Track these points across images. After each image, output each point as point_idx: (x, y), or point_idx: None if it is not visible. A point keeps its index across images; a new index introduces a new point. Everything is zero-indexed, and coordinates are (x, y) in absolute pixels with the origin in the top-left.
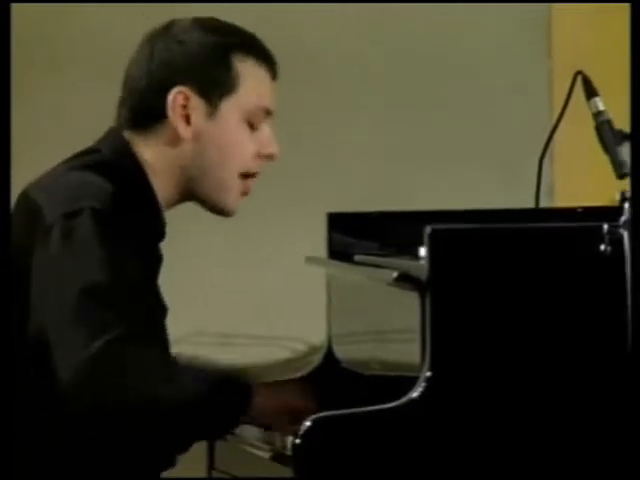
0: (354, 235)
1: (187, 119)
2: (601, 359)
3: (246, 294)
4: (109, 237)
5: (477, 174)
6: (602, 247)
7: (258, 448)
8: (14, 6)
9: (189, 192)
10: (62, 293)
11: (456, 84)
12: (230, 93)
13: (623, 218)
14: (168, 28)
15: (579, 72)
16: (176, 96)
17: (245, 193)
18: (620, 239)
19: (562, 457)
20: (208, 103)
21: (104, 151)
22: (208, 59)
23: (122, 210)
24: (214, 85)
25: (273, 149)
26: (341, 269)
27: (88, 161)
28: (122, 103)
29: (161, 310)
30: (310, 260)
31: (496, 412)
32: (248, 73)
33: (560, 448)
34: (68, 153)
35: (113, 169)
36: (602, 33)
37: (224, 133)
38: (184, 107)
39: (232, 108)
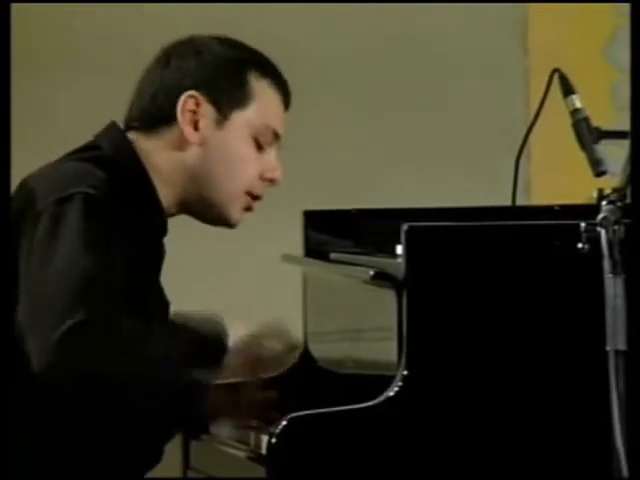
0: (330, 233)
1: (195, 124)
2: (578, 357)
3: (221, 292)
4: (97, 222)
5: (454, 172)
6: (579, 245)
7: (233, 447)
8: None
9: (190, 201)
10: (39, 276)
11: (433, 83)
12: (242, 107)
13: (600, 216)
14: (187, 41)
15: (556, 70)
16: (187, 100)
17: (249, 209)
18: (597, 237)
19: (539, 450)
20: (218, 112)
21: (104, 147)
22: (224, 70)
23: (116, 199)
24: (226, 95)
25: (276, 174)
26: (317, 267)
27: (87, 155)
28: (132, 104)
29: (159, 303)
30: (286, 258)
31: (473, 410)
32: (262, 92)
33: (537, 442)
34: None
35: (112, 163)
36: (578, 31)
37: (231, 145)
38: (194, 112)
39: (242, 122)
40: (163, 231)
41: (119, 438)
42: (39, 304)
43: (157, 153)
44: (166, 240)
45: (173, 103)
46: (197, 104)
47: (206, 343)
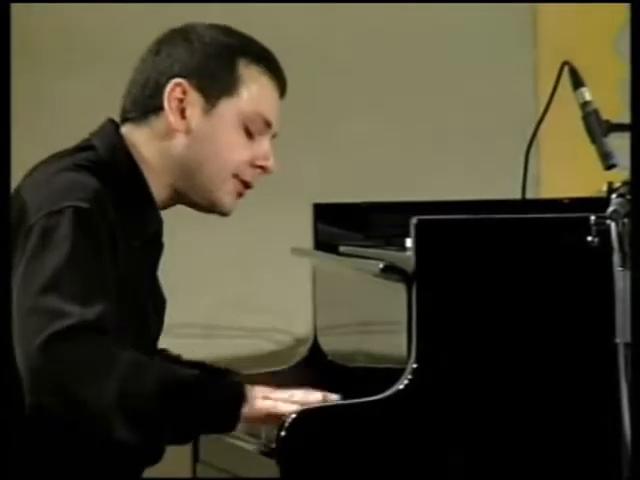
0: (340, 226)
1: (182, 113)
2: (588, 350)
3: (231, 286)
4: (87, 235)
5: (463, 165)
6: (589, 238)
7: (243, 441)
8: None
9: (182, 190)
10: (27, 288)
11: (441, 75)
12: (230, 94)
13: (610, 209)
14: (180, 28)
15: (566, 62)
16: (174, 87)
17: (240, 195)
18: (607, 230)
19: (547, 444)
20: (205, 99)
21: (98, 147)
22: (212, 56)
23: (111, 209)
24: (214, 82)
25: (269, 163)
26: (327, 260)
27: (80, 160)
28: (126, 95)
29: (157, 302)
30: (296, 251)
31: (483, 403)
32: (252, 80)
33: (546, 434)
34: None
35: (106, 167)
36: (588, 23)
37: (218, 132)
38: (181, 100)
39: (230, 109)
40: (159, 231)
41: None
42: (24, 314)
43: (146, 143)
44: (177, 234)
45: (161, 92)
46: (184, 92)
47: (216, 410)
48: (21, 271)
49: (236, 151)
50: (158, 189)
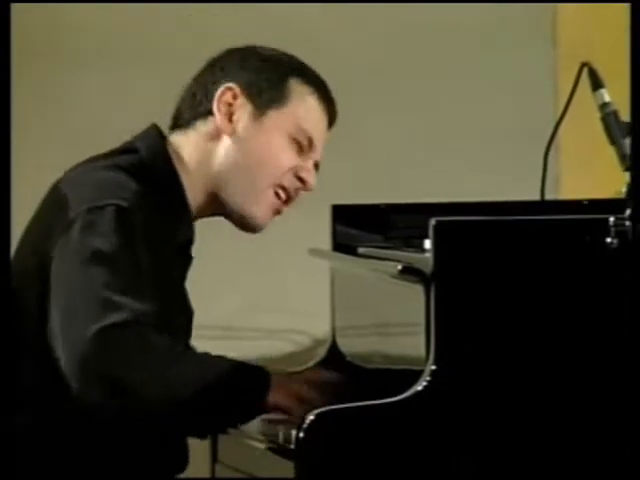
0: (358, 227)
1: (230, 116)
2: (607, 352)
3: (250, 287)
4: (128, 234)
5: (482, 166)
6: (608, 239)
7: (261, 442)
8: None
9: (218, 197)
10: (74, 282)
11: (461, 75)
12: (278, 106)
13: (629, 210)
14: (238, 48)
15: (585, 63)
16: (224, 91)
17: (277, 212)
18: (626, 232)
19: (566, 446)
20: (255, 107)
21: (141, 150)
22: (265, 70)
23: (148, 212)
24: (264, 92)
25: (310, 178)
26: (345, 262)
27: (122, 161)
28: (177, 107)
29: (187, 313)
30: (314, 252)
31: (501, 405)
32: (301, 97)
33: (565, 438)
34: (70, 151)
35: (146, 171)
36: (608, 23)
37: (263, 139)
38: (230, 104)
39: (277, 120)
40: (190, 240)
41: (141, 440)
42: (71, 308)
43: (189, 146)
44: (197, 237)
45: (211, 97)
46: (234, 96)
47: (248, 375)
48: (63, 264)
49: (280, 158)
50: (194, 195)
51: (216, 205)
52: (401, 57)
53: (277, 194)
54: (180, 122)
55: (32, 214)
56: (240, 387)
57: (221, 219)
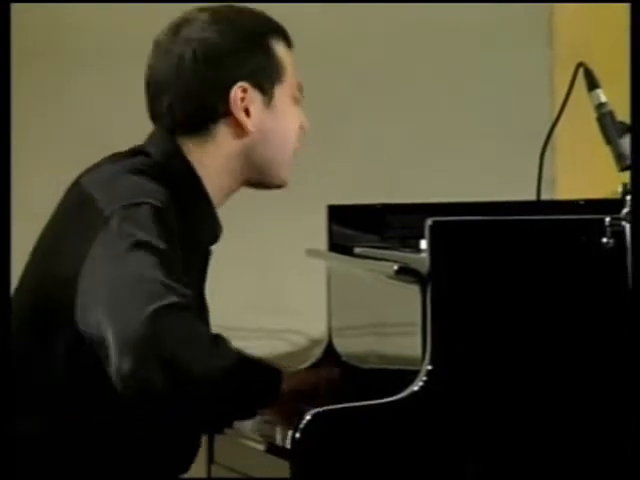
0: (355, 228)
1: (247, 112)
2: (603, 353)
3: (246, 287)
4: (165, 230)
5: (478, 166)
6: (604, 240)
7: (257, 442)
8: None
9: (249, 182)
10: (120, 269)
11: (456, 75)
12: (279, 79)
13: (625, 211)
14: (189, 23)
15: (581, 64)
16: (237, 91)
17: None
18: (622, 232)
19: (564, 446)
20: (263, 93)
21: (153, 153)
22: (253, 49)
23: (175, 214)
24: (264, 74)
25: (307, 124)
26: (341, 262)
27: (139, 164)
28: (167, 110)
29: (202, 311)
30: (310, 253)
31: (497, 405)
32: (285, 55)
33: (562, 438)
34: (70, 152)
35: (165, 173)
36: (604, 24)
37: (281, 119)
38: (243, 100)
39: (284, 93)
40: (217, 237)
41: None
42: (120, 295)
43: (207, 152)
44: None
45: (222, 99)
46: (244, 91)
47: (264, 368)
48: (105, 256)
49: (296, 127)
50: (217, 189)
51: (242, 186)
52: (395, 58)
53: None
54: (188, 127)
55: (36, 216)
56: (260, 379)
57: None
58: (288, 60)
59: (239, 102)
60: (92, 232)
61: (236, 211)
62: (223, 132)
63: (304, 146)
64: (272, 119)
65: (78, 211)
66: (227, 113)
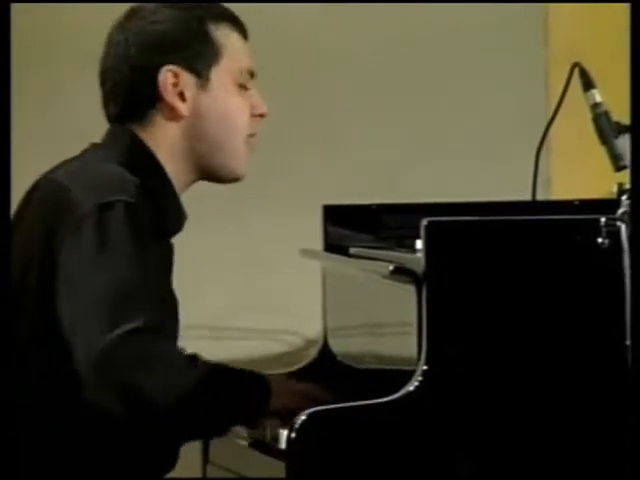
0: (350, 228)
1: (182, 96)
2: (599, 353)
3: (241, 287)
4: (138, 233)
5: (473, 166)
6: (599, 240)
7: (253, 442)
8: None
9: (199, 170)
10: (90, 285)
11: (452, 75)
12: (216, 62)
13: (620, 211)
14: (134, 13)
15: (576, 64)
16: (166, 75)
17: (250, 151)
18: (617, 232)
19: (557, 446)
20: (198, 76)
21: (117, 148)
22: (186, 33)
23: (147, 204)
24: (199, 57)
25: (264, 109)
26: (337, 262)
27: (109, 156)
28: (108, 99)
29: (173, 303)
30: (305, 253)
31: (493, 405)
32: (226, 39)
33: (556, 438)
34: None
35: (133, 164)
36: (599, 24)
37: (220, 101)
38: (175, 85)
39: (221, 76)
40: (179, 228)
41: (135, 442)
42: (88, 312)
43: (156, 139)
44: (187, 236)
45: (152, 84)
46: (176, 76)
47: (251, 381)
48: (77, 264)
49: (240, 112)
50: (177, 177)
51: (199, 176)
52: (392, 58)
53: (248, 142)
54: (129, 115)
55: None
56: (243, 396)
57: (213, 219)
58: (231, 44)
59: (170, 87)
60: (66, 232)
61: (231, 210)
62: (160, 117)
63: (303, 147)
64: (209, 101)
65: (55, 206)
66: (160, 98)
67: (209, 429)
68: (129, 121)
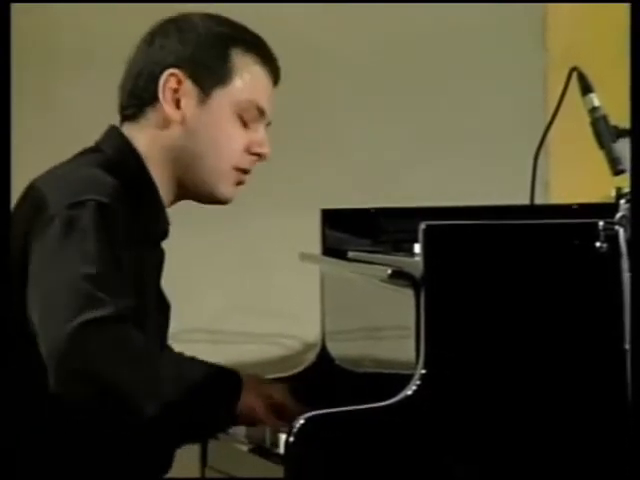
0: (348, 232)
1: (177, 103)
2: (597, 356)
3: (239, 291)
4: (109, 231)
5: (472, 170)
6: (597, 244)
7: (251, 446)
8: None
9: (184, 182)
10: (54, 276)
11: (451, 79)
12: (224, 83)
13: (618, 215)
14: (172, 18)
15: (574, 68)
16: (168, 78)
17: (240, 183)
18: (615, 236)
19: (555, 450)
20: (200, 89)
21: (106, 151)
22: (205, 46)
23: (126, 207)
24: (208, 72)
25: (264, 149)
26: (335, 266)
27: (93, 159)
28: (121, 90)
29: (163, 307)
30: (304, 257)
31: (491, 409)
32: (245, 68)
33: (554, 442)
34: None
35: (117, 167)
36: (598, 27)
37: (213, 122)
38: (175, 91)
39: (224, 99)
40: (164, 234)
41: (125, 442)
42: (51, 302)
43: (144, 137)
44: (184, 239)
45: (156, 83)
46: (179, 82)
47: (221, 377)
48: (44, 258)
49: (232, 141)
50: (162, 185)
51: (182, 190)
52: (391, 61)
53: (236, 171)
54: (129, 111)
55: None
56: (213, 389)
57: (211, 222)
58: (247, 74)
59: (169, 90)
60: (37, 231)
61: (229, 214)
62: (154, 117)
63: (302, 147)
64: (204, 118)
65: (31, 209)
66: (158, 98)
67: (175, 427)
68: (128, 115)
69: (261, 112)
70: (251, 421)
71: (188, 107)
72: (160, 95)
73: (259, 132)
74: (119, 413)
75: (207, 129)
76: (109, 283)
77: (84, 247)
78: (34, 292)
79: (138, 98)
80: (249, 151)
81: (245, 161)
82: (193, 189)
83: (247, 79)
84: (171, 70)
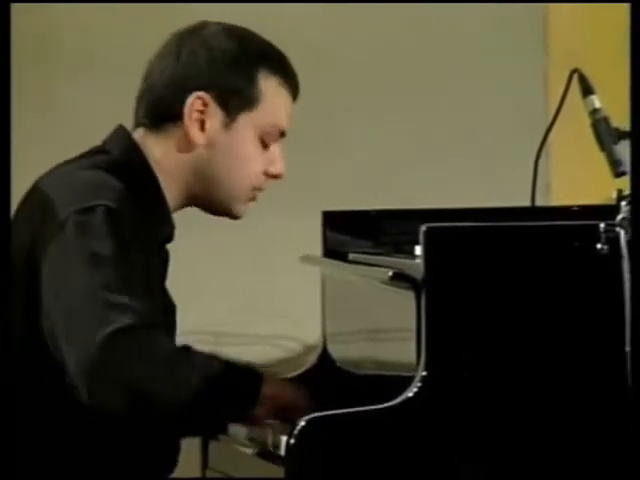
0: (349, 233)
1: (202, 125)
2: (598, 358)
3: (241, 293)
4: (121, 235)
5: (473, 172)
6: (598, 246)
7: (252, 448)
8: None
9: (195, 197)
10: (74, 286)
11: (451, 79)
12: (250, 108)
13: (619, 216)
14: (198, 30)
15: (575, 70)
16: (195, 101)
17: (252, 199)
18: (617, 238)
19: (557, 452)
20: (226, 113)
21: (112, 152)
22: (233, 70)
23: (133, 210)
24: (235, 97)
25: (279, 169)
26: (336, 268)
27: (98, 161)
28: (141, 97)
29: (169, 308)
30: (305, 259)
31: (492, 411)
32: (271, 92)
33: (555, 444)
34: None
35: (122, 169)
36: (598, 29)
37: (237, 146)
38: (201, 112)
39: (249, 124)
40: (170, 238)
41: (134, 440)
42: (75, 316)
43: (164, 152)
44: (186, 242)
45: (181, 102)
46: (205, 104)
47: (243, 375)
48: (59, 267)
49: (253, 163)
50: (173, 194)
51: (194, 201)
52: (391, 62)
53: (253, 192)
54: (148, 121)
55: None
56: (236, 384)
57: (214, 225)
58: (272, 99)
59: (195, 112)
60: (48, 237)
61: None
62: (177, 135)
63: (302, 147)
64: (228, 141)
65: (38, 213)
66: (183, 117)
67: (204, 423)
68: (147, 125)
69: (282, 134)
70: (269, 412)
71: (212, 130)
72: (185, 116)
73: (275, 151)
74: (153, 418)
75: (230, 151)
76: (129, 288)
77: (100, 254)
78: (55, 306)
79: (161, 113)
80: (266, 173)
81: (262, 181)
82: (207, 204)
83: (272, 104)
84: (198, 93)
